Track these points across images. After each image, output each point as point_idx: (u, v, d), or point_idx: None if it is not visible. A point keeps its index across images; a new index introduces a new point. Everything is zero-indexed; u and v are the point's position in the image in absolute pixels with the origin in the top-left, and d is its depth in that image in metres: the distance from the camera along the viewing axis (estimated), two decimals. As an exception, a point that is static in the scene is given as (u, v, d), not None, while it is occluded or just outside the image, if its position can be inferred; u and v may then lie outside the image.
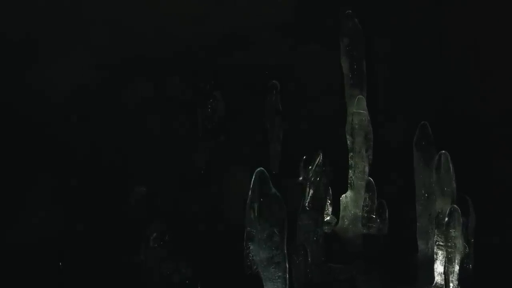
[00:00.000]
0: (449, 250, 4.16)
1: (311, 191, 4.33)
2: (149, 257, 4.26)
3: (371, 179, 4.85)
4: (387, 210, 4.81)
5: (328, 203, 4.95)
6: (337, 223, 5.04)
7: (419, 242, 4.51)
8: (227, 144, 5.40)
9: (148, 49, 5.37)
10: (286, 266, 3.64)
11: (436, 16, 5.55)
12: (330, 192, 4.90)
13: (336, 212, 5.06)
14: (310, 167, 4.44)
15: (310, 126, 5.55)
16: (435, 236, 4.28)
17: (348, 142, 4.95)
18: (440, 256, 4.26)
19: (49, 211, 4.87)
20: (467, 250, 4.23)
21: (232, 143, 5.40)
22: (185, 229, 4.61)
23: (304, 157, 5.04)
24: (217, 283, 4.36)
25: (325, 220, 4.88)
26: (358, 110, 4.88)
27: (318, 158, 4.38)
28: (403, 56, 5.59)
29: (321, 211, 4.45)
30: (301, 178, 5.12)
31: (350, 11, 4.98)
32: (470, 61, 5.46)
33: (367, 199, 4.82)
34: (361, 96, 4.92)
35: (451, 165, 4.28)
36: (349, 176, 4.96)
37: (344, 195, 5.00)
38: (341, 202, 5.00)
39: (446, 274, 4.17)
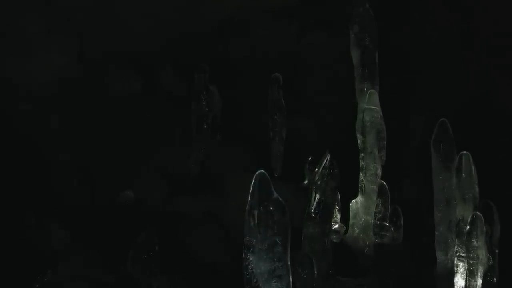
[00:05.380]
0: (471, 261, 4.03)
1: (318, 196, 4.16)
2: (136, 270, 4.11)
3: (384, 183, 4.69)
4: (401, 217, 4.66)
5: (336, 210, 4.80)
6: (346, 231, 4.89)
7: (438, 253, 4.32)
8: (224, 144, 5.36)
9: (137, 38, 5.34)
10: (289, 280, 3.43)
11: (460, 5, 5.53)
12: (339, 197, 4.76)
13: (345, 219, 4.93)
14: (316, 169, 4.24)
15: (316, 123, 5.52)
16: (456, 246, 4.13)
17: (359, 141, 4.79)
18: (461, 268, 4.10)
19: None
20: (490, 262, 4.07)
21: (230, 142, 5.36)
22: (178, 239, 4.56)
23: (310, 158, 5.03)
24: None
25: (333, 228, 4.73)
26: (370, 106, 4.74)
27: (325, 160, 4.18)
28: (420, 46, 5.52)
29: (329, 218, 4.28)
30: (306, 182, 5.09)
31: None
32: (497, 51, 5.38)
33: (380, 205, 4.66)
34: (373, 90, 4.78)
35: (473, 167, 4.13)
36: (359, 180, 4.80)
37: (354, 200, 4.84)
38: (350, 208, 4.85)
39: (468, 288, 4.01)
